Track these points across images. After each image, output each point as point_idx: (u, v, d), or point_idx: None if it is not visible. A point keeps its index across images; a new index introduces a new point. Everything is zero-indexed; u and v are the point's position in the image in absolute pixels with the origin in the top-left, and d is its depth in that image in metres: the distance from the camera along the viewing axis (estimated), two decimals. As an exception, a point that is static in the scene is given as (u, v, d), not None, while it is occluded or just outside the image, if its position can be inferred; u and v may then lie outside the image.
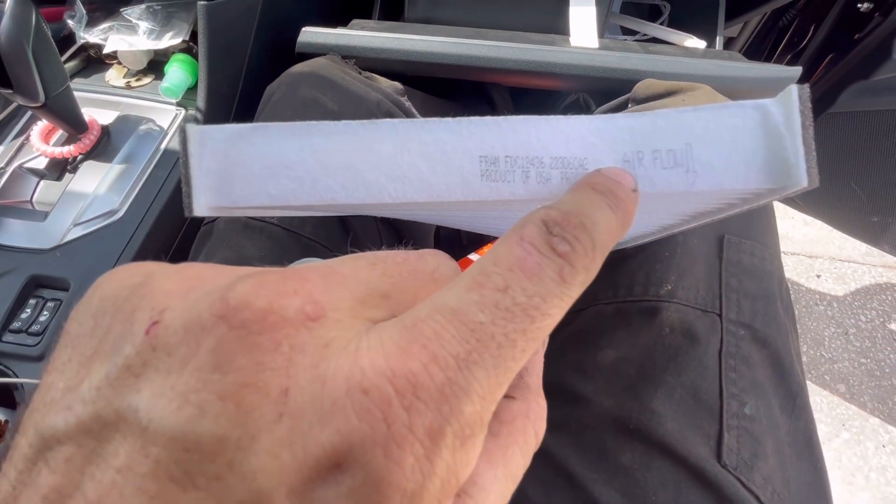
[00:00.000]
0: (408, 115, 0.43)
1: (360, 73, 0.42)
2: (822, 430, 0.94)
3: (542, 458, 0.23)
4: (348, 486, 0.08)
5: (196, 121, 0.44)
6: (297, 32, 0.43)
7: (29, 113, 0.44)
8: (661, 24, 0.53)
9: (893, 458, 0.91)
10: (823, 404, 0.98)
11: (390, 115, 0.40)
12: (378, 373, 0.08)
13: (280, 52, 0.46)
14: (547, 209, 0.11)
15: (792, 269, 1.19)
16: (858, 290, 1.15)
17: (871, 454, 0.91)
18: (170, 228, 0.41)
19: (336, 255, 0.11)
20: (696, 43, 0.47)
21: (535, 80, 0.43)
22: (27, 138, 0.42)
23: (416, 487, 0.08)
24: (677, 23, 0.54)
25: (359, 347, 0.09)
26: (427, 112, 0.47)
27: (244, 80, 0.46)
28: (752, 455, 0.21)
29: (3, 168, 0.41)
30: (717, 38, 0.46)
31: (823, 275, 1.18)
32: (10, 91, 0.35)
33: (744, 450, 0.21)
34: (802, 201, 0.72)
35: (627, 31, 0.56)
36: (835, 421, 0.96)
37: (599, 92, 0.51)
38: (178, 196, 0.42)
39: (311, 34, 0.43)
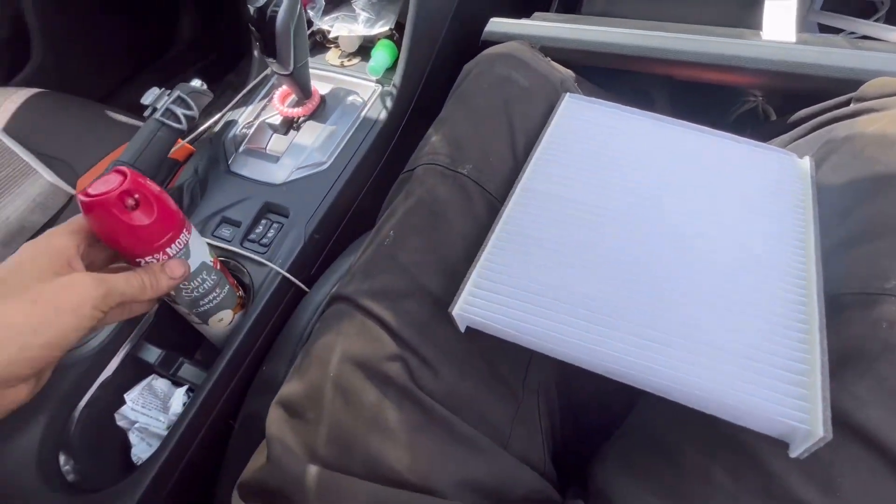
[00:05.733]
0: None
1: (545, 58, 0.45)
2: None
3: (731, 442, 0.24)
4: None
5: (391, 95, 0.52)
6: (480, 24, 0.49)
7: (271, 82, 0.57)
8: (878, 21, 0.47)
9: None
10: None
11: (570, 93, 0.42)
12: None
13: (463, 41, 0.52)
14: None
15: None
16: None
17: None
18: (363, 178, 0.50)
19: None
20: (922, 41, 0.41)
21: (718, 75, 0.42)
22: (270, 100, 0.54)
23: None
24: (898, 20, 0.48)
25: None
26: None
27: (433, 62, 0.53)
28: None
29: (252, 122, 0.53)
30: (954, 35, 0.40)
31: None
32: (273, 59, 0.45)
33: None
34: None
35: (828, 30, 0.51)
36: None
37: (793, 93, 0.47)
38: (371, 154, 0.50)
39: (497, 24, 0.48)
